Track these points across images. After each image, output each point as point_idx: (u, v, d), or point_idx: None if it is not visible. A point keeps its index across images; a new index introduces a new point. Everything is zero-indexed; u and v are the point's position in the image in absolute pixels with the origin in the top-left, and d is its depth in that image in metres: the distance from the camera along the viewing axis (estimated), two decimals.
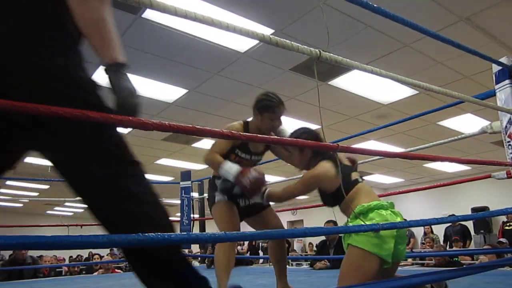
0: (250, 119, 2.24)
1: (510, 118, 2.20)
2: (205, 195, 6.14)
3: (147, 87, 5.00)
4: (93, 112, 0.87)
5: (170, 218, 1.09)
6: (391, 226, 1.41)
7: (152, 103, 5.45)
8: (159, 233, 0.85)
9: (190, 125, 1.03)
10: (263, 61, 4.47)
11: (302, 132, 1.95)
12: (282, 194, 1.96)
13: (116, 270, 6.16)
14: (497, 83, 2.33)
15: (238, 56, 4.31)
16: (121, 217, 1.00)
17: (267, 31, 3.82)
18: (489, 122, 2.39)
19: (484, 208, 9.04)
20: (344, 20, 3.71)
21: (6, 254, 8.83)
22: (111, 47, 1.04)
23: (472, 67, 4.64)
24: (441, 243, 9.04)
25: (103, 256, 8.08)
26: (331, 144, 1.44)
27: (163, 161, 8.74)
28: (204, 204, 6.01)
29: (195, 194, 5.77)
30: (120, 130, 1.08)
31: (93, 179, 1.02)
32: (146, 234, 0.83)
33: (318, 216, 10.40)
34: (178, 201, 5.49)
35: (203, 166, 9.12)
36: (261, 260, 9.01)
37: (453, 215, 8.00)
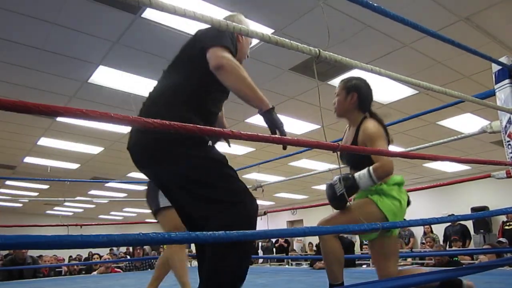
0: None
1: (510, 118, 2.21)
2: None
3: (147, 87, 4.98)
4: (94, 111, 0.88)
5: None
6: (392, 225, 1.41)
7: None
8: (159, 233, 0.86)
9: (191, 125, 1.03)
10: (262, 61, 4.46)
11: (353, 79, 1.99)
12: (382, 161, 1.75)
13: (116, 270, 6.16)
14: (496, 82, 2.33)
15: None
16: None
17: (267, 31, 3.82)
18: (489, 122, 2.39)
19: (484, 208, 9.05)
20: (344, 20, 3.70)
21: (3, 253, 8.82)
22: (258, 99, 1.46)
23: (471, 67, 4.64)
24: (441, 243, 9.05)
25: (102, 256, 8.08)
26: (332, 143, 1.44)
27: None
28: None
29: None
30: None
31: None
32: (146, 233, 0.84)
33: (318, 216, 10.39)
34: None
35: None
36: (260, 260, 9.01)
37: (453, 215, 8.00)
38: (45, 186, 10.99)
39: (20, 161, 8.37)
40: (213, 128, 1.21)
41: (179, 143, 1.37)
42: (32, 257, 5.31)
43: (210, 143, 1.44)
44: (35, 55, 4.16)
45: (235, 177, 1.45)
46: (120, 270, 6.28)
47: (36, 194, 12.19)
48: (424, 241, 8.16)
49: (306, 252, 12.79)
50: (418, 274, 1.58)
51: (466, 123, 6.50)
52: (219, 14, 3.44)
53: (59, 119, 5.98)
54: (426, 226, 9.06)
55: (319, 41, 3.73)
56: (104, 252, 10.15)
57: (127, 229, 13.53)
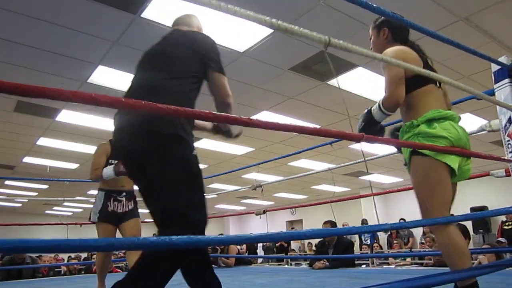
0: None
1: (510, 117, 2.21)
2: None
3: None
4: (104, 96, 0.88)
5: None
6: (400, 226, 1.40)
7: None
8: (159, 237, 0.85)
9: (207, 111, 1.01)
10: (262, 60, 4.47)
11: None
12: (388, 92, 1.63)
13: (116, 269, 6.16)
14: (496, 82, 2.34)
15: (237, 55, 4.31)
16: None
17: (267, 31, 3.82)
18: (488, 121, 2.39)
19: (483, 208, 9.06)
20: (344, 20, 3.71)
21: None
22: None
23: (471, 67, 4.65)
24: None
25: None
26: (356, 134, 1.40)
27: None
28: None
29: None
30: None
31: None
32: (146, 237, 0.84)
33: (317, 216, 10.40)
34: None
35: (202, 166, 9.05)
36: (260, 260, 9.01)
37: (452, 214, 8.00)
38: (45, 186, 10.99)
39: (19, 161, 8.37)
40: (230, 115, 1.19)
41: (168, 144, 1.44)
42: (32, 257, 5.31)
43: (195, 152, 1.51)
44: (34, 55, 4.16)
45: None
46: (120, 270, 6.28)
47: (35, 194, 12.18)
48: (423, 241, 8.16)
49: (305, 251, 12.80)
50: (415, 278, 1.56)
51: (465, 122, 6.48)
52: (218, 13, 3.44)
53: (58, 119, 5.98)
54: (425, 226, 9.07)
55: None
56: None
57: None
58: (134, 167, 1.55)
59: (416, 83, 1.64)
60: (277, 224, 14.64)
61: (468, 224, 9.33)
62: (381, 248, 9.86)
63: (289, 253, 11.86)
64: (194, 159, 1.48)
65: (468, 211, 9.08)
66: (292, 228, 14.93)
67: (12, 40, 3.88)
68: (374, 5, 1.51)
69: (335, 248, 4.63)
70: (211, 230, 13.63)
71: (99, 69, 4.51)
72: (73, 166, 8.81)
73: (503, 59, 2.28)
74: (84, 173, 9.78)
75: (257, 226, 14.71)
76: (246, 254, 9.85)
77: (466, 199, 9.87)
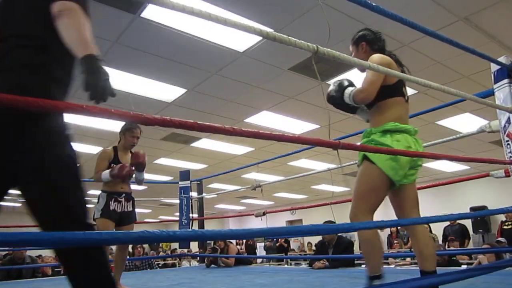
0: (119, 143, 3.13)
1: (509, 117, 2.21)
2: (204, 194, 6.15)
3: (146, 87, 4.99)
4: (94, 107, 0.89)
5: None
6: (396, 223, 1.40)
7: (151, 102, 5.45)
8: (163, 230, 0.86)
9: (191, 121, 1.03)
10: (262, 60, 4.47)
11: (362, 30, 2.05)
12: (365, 85, 1.77)
13: None
14: (495, 82, 2.34)
15: (237, 55, 4.31)
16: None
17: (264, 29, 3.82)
18: (488, 121, 2.39)
19: (483, 208, 9.06)
20: (342, 20, 3.71)
21: (2, 253, 8.80)
22: (84, 41, 1.15)
23: (470, 67, 4.65)
24: (440, 242, 9.06)
25: None
26: (333, 141, 1.43)
27: (162, 161, 8.74)
28: (203, 203, 6.02)
29: (194, 194, 5.77)
30: None
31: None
32: (151, 231, 0.84)
33: (317, 216, 10.39)
34: (177, 201, 5.49)
35: (202, 166, 9.12)
36: (259, 260, 9.02)
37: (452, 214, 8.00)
38: None
39: None
40: (214, 125, 1.15)
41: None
42: (31, 257, 5.31)
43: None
44: None
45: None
46: None
47: None
48: None
49: (305, 251, 12.80)
50: (416, 279, 1.56)
51: (465, 122, 6.51)
52: (218, 13, 3.44)
53: None
54: (425, 226, 9.07)
55: (318, 41, 3.71)
56: None
57: None
58: None
59: (388, 92, 1.78)
60: (277, 224, 14.64)
61: (468, 224, 9.34)
62: None
63: (289, 253, 11.86)
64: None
65: (468, 211, 9.08)
66: None
67: None
68: (373, 4, 1.51)
69: (335, 248, 4.63)
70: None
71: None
72: None
73: (502, 59, 2.28)
74: (84, 172, 9.77)
75: (257, 226, 14.71)
76: (245, 255, 9.87)
77: (466, 199, 9.89)
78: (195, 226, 5.67)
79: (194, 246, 9.92)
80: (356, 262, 4.70)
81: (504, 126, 2.24)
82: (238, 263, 5.40)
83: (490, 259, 4.08)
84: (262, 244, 12.98)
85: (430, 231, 9.04)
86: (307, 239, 13.36)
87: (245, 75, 4.80)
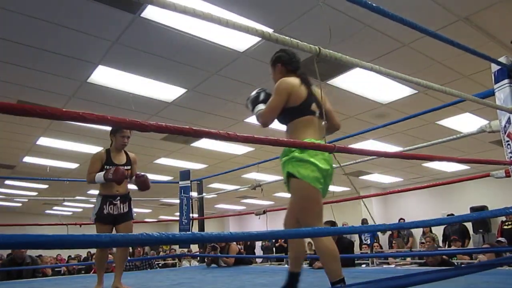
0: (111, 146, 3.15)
1: (509, 118, 2.21)
2: (204, 194, 6.14)
3: (146, 87, 4.99)
4: (91, 114, 0.89)
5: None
6: (398, 226, 1.41)
7: (151, 102, 5.45)
8: (163, 233, 0.86)
9: (187, 126, 1.03)
10: (262, 60, 4.46)
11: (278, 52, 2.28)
12: (265, 110, 2.03)
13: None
14: (496, 82, 2.34)
15: (237, 55, 4.31)
16: None
17: (267, 31, 3.81)
18: (488, 121, 2.39)
19: (483, 208, 9.05)
20: (343, 20, 3.70)
21: (5, 252, 8.82)
22: None
23: (471, 67, 4.65)
24: (440, 242, 9.07)
25: None
26: (328, 144, 1.44)
27: (162, 161, 8.74)
28: (203, 203, 6.01)
29: (194, 194, 5.77)
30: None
31: None
32: (150, 233, 0.84)
33: None
34: (177, 201, 5.49)
35: (202, 166, 9.12)
36: (259, 260, 9.02)
37: (452, 214, 8.01)
38: (44, 186, 10.98)
39: (19, 160, 8.36)
40: (209, 130, 1.19)
41: None
42: (31, 257, 5.30)
43: None
44: (34, 55, 4.16)
45: None
46: None
47: (35, 193, 12.18)
48: (423, 240, 8.17)
49: (306, 251, 12.79)
50: (417, 273, 1.58)
51: (465, 122, 6.51)
52: (218, 13, 3.44)
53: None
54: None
55: (318, 41, 3.71)
56: None
57: None
58: None
59: (296, 113, 1.97)
60: (277, 224, 14.58)
61: (468, 224, 9.35)
62: (381, 248, 9.86)
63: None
64: None
65: (468, 211, 9.08)
66: None
67: (12, 40, 3.88)
68: (374, 5, 1.51)
69: None
70: (212, 230, 13.61)
71: (99, 69, 4.51)
72: (73, 166, 8.81)
73: (503, 59, 2.28)
74: (84, 172, 9.77)
75: (257, 226, 14.71)
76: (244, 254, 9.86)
77: (466, 199, 9.89)
78: (195, 226, 5.67)
79: (194, 246, 9.94)
80: (356, 262, 4.70)
81: (505, 126, 2.24)
82: (238, 263, 5.40)
83: (490, 259, 4.08)
84: (259, 244, 13.00)
85: (430, 231, 9.06)
86: (307, 238, 13.35)
87: (245, 75, 4.80)
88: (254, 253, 12.34)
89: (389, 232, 10.71)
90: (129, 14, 3.54)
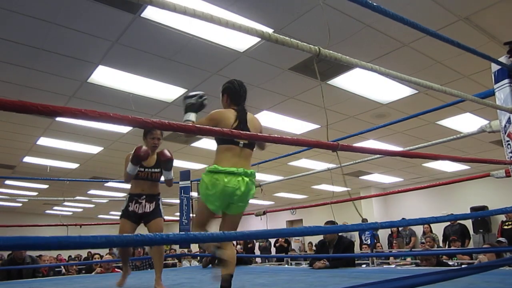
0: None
1: (509, 117, 2.21)
2: None
3: (147, 87, 4.99)
4: (93, 111, 0.89)
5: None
6: (390, 224, 1.41)
7: (151, 102, 5.45)
8: (157, 234, 0.85)
9: (190, 123, 1.03)
10: (262, 60, 4.46)
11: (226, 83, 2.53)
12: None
13: (116, 269, 6.15)
14: (496, 82, 2.33)
15: (237, 55, 4.31)
16: None
17: (266, 31, 3.81)
18: (488, 121, 2.39)
19: (483, 208, 9.05)
20: (343, 20, 3.70)
21: (5, 253, 8.82)
22: None
23: (471, 67, 4.64)
24: (441, 242, 9.06)
25: (103, 256, 8.07)
26: (331, 142, 1.44)
27: None
28: None
29: (194, 194, 5.76)
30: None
31: None
32: (145, 234, 0.84)
33: (318, 216, 10.39)
34: (178, 201, 5.49)
35: (202, 166, 9.11)
36: (259, 260, 9.02)
37: (452, 214, 8.00)
38: (45, 186, 10.98)
39: (20, 160, 8.36)
40: (213, 128, 1.20)
41: None
42: (31, 257, 5.30)
43: None
44: (34, 55, 4.16)
45: None
46: (120, 270, 6.28)
47: (35, 193, 12.18)
48: (423, 240, 8.16)
49: (306, 251, 12.80)
50: (422, 274, 1.57)
51: (466, 122, 6.50)
52: (219, 13, 3.44)
53: (58, 118, 5.98)
54: (425, 226, 9.07)
55: (319, 41, 3.71)
56: (104, 252, 10.15)
57: None
58: None
59: (220, 140, 2.28)
60: (277, 224, 14.63)
61: (468, 224, 9.34)
62: (381, 248, 9.87)
63: (289, 253, 11.86)
64: None
65: (469, 211, 9.08)
66: None
67: (12, 40, 3.88)
68: (374, 4, 1.51)
69: (336, 247, 4.63)
70: (212, 230, 13.60)
71: (99, 69, 4.51)
72: (73, 166, 8.81)
73: (503, 59, 2.28)
74: (84, 172, 9.79)
75: (257, 226, 14.72)
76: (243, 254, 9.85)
77: (466, 199, 9.88)
78: None
79: (194, 246, 9.93)
80: (356, 262, 4.70)
81: (505, 126, 2.24)
82: (238, 263, 5.40)
83: (491, 259, 4.07)
84: (257, 244, 13.02)
85: (431, 231, 9.06)
86: (308, 239, 13.36)
87: (245, 75, 4.80)
88: (254, 253, 12.34)
89: (388, 232, 10.72)
90: (129, 14, 3.54)
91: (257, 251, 13.07)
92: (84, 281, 4.15)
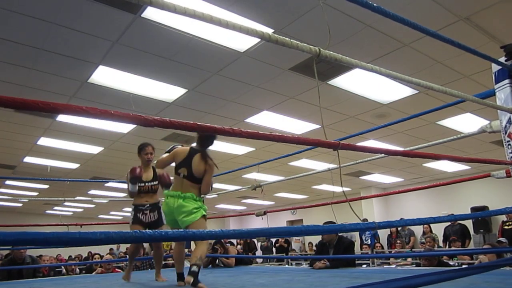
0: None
1: (509, 118, 2.20)
2: None
3: (147, 87, 4.99)
4: (94, 109, 0.89)
5: None
6: (387, 224, 1.40)
7: (152, 102, 5.45)
8: (156, 230, 0.86)
9: (191, 122, 1.03)
10: (262, 60, 4.46)
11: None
12: (161, 159, 3.28)
13: (117, 269, 6.16)
14: (496, 82, 2.33)
15: (237, 55, 4.31)
16: None
17: (266, 31, 3.81)
18: (489, 122, 2.39)
19: (484, 208, 9.05)
20: (343, 20, 3.70)
21: (4, 253, 8.81)
22: None
23: (471, 67, 4.64)
24: (441, 242, 9.06)
25: (103, 256, 8.08)
26: (333, 141, 1.44)
27: None
28: None
29: None
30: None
31: None
32: (144, 231, 0.84)
33: (318, 216, 10.39)
34: None
35: None
36: (259, 260, 9.02)
37: (452, 214, 8.00)
38: (45, 186, 10.99)
39: (20, 160, 8.37)
40: (213, 125, 1.18)
41: None
42: (31, 257, 5.30)
43: None
44: (34, 55, 4.16)
45: None
46: (120, 270, 6.28)
47: (35, 193, 12.19)
48: (423, 240, 8.16)
49: (306, 252, 12.79)
50: (416, 275, 1.57)
51: (466, 122, 6.50)
52: (219, 13, 3.44)
53: (59, 118, 5.99)
54: (425, 226, 9.07)
55: (319, 41, 3.72)
56: (104, 252, 10.15)
57: (127, 228, 13.52)
58: None
59: (175, 170, 2.93)
60: (278, 224, 14.64)
61: (469, 224, 9.34)
62: (382, 248, 9.86)
63: (289, 253, 11.86)
64: None
65: (469, 211, 9.08)
66: None
67: (12, 40, 3.88)
68: (374, 5, 1.51)
69: (336, 248, 4.63)
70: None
71: (99, 69, 4.51)
72: (74, 166, 8.81)
73: (503, 59, 2.28)
74: (85, 173, 9.79)
75: (258, 226, 14.72)
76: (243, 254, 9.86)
77: (467, 199, 9.88)
78: None
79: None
80: (356, 262, 4.70)
81: (505, 126, 2.23)
82: (238, 263, 5.40)
83: (491, 260, 4.07)
84: (259, 244, 13.01)
85: (431, 231, 9.05)
86: (308, 239, 13.36)
87: (246, 75, 4.80)
88: (255, 254, 12.34)
89: (388, 232, 10.71)
90: (129, 14, 3.54)
91: (259, 252, 13.07)
92: (85, 281, 4.15)
